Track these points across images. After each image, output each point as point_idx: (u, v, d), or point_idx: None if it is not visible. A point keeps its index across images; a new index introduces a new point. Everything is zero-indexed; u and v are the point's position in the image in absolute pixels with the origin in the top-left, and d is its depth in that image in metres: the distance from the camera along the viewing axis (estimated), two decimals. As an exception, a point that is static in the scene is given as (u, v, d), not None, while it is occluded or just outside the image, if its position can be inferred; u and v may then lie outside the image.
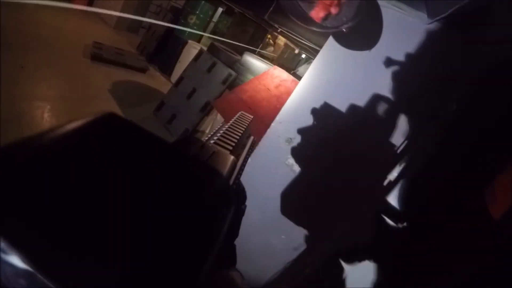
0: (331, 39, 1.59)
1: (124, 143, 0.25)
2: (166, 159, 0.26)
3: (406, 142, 1.36)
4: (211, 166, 0.32)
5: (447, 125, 1.27)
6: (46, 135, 0.22)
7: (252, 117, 0.68)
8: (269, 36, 7.84)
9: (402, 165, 1.26)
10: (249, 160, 1.78)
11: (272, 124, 1.75)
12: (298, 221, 1.62)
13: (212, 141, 0.47)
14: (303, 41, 5.22)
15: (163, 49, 6.22)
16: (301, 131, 1.65)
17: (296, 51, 9.66)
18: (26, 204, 0.18)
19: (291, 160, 1.64)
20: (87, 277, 0.16)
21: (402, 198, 1.25)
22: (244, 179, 1.64)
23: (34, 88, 3.45)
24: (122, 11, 7.42)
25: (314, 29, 1.32)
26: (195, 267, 0.20)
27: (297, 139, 1.65)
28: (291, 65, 9.32)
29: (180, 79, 4.14)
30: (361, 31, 1.48)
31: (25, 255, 0.16)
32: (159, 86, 5.26)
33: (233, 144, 0.48)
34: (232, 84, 3.84)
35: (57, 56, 4.44)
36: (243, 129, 0.58)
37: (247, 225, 1.80)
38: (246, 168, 1.71)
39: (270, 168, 1.72)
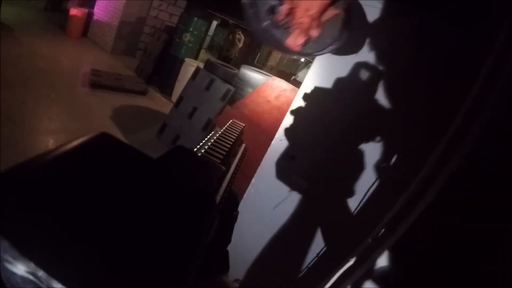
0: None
1: (114, 160, 0.28)
2: (151, 175, 0.28)
3: (418, 155, 1.30)
4: (195, 180, 0.34)
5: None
6: (48, 155, 0.24)
7: (243, 125, 0.68)
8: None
9: (416, 182, 1.19)
10: (253, 180, 1.76)
11: (273, 143, 1.73)
12: (308, 239, 1.59)
13: (203, 150, 0.47)
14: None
15: (161, 70, 6.26)
16: (302, 147, 1.62)
17: (295, 56, 9.72)
18: (30, 214, 0.20)
19: (295, 177, 1.62)
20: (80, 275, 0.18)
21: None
22: (251, 199, 1.62)
23: (36, 123, 3.46)
24: (116, 36, 7.52)
25: (295, 57, 1.22)
26: (177, 276, 0.21)
27: (299, 155, 1.62)
28: (291, 71, 9.36)
29: (180, 99, 4.14)
30: (354, 36, 1.46)
31: (33, 258, 0.18)
32: (160, 107, 5.27)
33: (224, 153, 0.49)
34: (232, 99, 3.83)
35: (56, 87, 4.47)
36: (234, 138, 0.58)
37: (258, 243, 1.79)
38: (251, 189, 1.69)
39: (275, 187, 1.70)
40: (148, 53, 6.68)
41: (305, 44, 1.06)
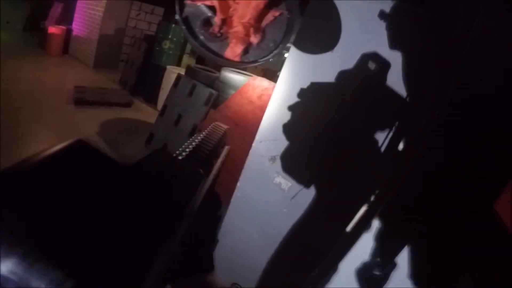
0: (293, 48, 1.60)
1: (89, 166, 0.30)
2: (122, 181, 0.31)
3: (402, 144, 1.30)
4: (167, 186, 0.36)
5: (447, 126, 1.14)
6: (30, 160, 0.27)
7: (226, 127, 0.69)
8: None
9: (402, 174, 1.20)
10: (239, 184, 1.78)
11: (253, 145, 1.75)
12: (298, 238, 1.63)
13: (184, 153, 0.49)
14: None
15: (144, 80, 6.26)
16: (282, 147, 1.64)
17: (286, 54, 9.58)
18: (18, 211, 0.23)
19: (278, 179, 1.65)
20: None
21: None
22: (238, 202, 1.65)
23: (24, 147, 3.46)
24: (98, 49, 7.50)
25: (239, 66, 1.11)
26: (136, 277, 0.23)
27: (281, 155, 1.66)
28: (276, 68, 9.29)
29: (164, 107, 4.16)
30: (324, 30, 1.48)
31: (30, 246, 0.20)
32: (146, 117, 5.28)
33: (205, 156, 0.51)
34: (215, 102, 3.86)
35: (41, 108, 4.48)
36: (216, 140, 0.60)
37: (251, 245, 1.83)
38: (238, 193, 1.71)
39: (260, 189, 1.73)
40: (130, 64, 6.67)
41: (246, 52, 1.02)
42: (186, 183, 0.39)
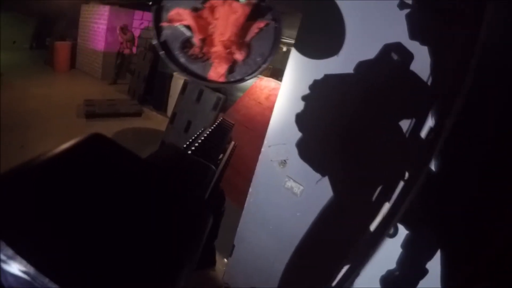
0: (294, 51, 1.58)
1: (108, 160, 0.28)
2: (145, 176, 0.29)
3: (414, 144, 1.26)
4: (188, 180, 0.36)
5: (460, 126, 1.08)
6: (42, 157, 0.25)
7: (233, 123, 0.68)
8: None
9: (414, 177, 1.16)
10: (250, 189, 1.75)
11: (262, 150, 1.73)
12: (314, 241, 1.60)
13: (193, 148, 0.48)
14: (286, 39, 5.21)
15: (152, 88, 6.30)
16: (292, 149, 1.61)
17: (284, 49, 9.61)
18: (25, 216, 0.20)
19: (289, 183, 1.62)
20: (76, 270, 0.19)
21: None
22: (251, 208, 1.63)
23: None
24: (104, 61, 7.58)
25: (225, 86, 1.02)
26: (174, 269, 0.22)
27: (290, 159, 1.64)
28: (282, 66, 9.25)
29: (174, 115, 4.17)
30: (327, 33, 1.45)
31: (28, 258, 0.18)
32: (157, 125, 5.31)
33: (213, 151, 0.50)
34: (224, 106, 3.85)
35: (53, 125, 4.55)
36: (224, 136, 0.59)
37: (265, 250, 1.80)
38: (250, 199, 1.69)
39: (272, 194, 1.72)
40: (137, 73, 6.72)
41: (232, 71, 0.93)
42: (199, 179, 0.38)
